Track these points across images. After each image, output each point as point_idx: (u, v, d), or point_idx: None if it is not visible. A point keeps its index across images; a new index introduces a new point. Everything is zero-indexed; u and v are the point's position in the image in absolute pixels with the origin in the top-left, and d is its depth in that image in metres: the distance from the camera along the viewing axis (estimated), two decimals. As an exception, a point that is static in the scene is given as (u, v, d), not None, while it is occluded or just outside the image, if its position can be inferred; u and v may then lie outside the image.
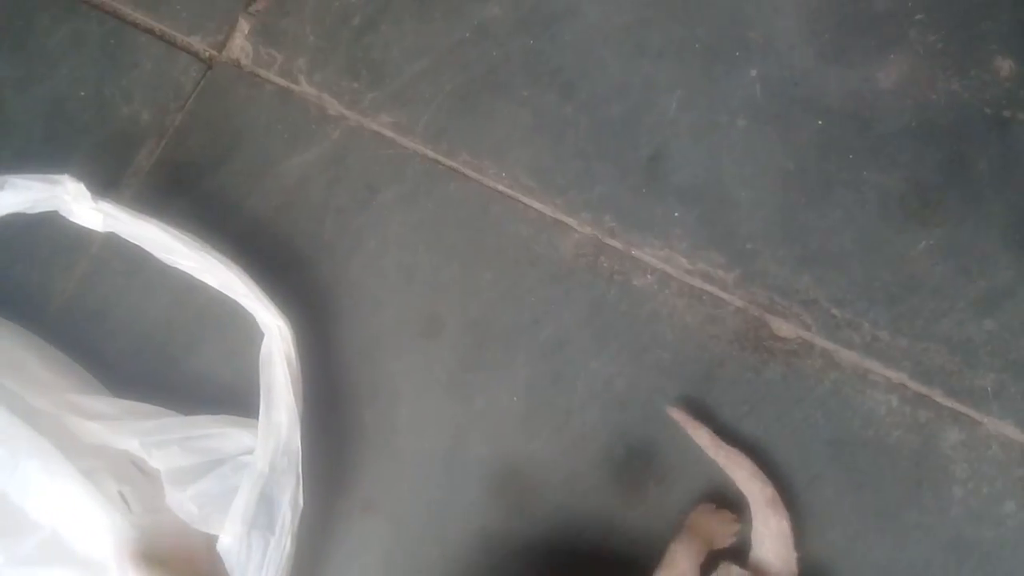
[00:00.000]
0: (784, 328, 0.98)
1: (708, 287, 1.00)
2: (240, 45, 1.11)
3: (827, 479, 0.94)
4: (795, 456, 0.94)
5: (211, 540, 0.88)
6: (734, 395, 0.97)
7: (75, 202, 0.95)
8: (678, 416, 0.95)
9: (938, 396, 0.95)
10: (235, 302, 0.97)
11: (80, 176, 0.94)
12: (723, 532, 0.90)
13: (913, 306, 0.97)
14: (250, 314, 0.96)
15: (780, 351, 0.98)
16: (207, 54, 1.11)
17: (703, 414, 0.96)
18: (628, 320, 1.00)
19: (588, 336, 1.00)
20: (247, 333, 0.99)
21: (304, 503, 0.90)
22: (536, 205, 1.04)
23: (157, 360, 1.03)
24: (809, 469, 0.94)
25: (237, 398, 0.98)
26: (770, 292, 0.99)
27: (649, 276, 1.01)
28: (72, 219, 0.96)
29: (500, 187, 1.05)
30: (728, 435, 0.95)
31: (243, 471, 0.89)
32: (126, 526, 0.85)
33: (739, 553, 0.91)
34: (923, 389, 0.95)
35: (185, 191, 1.07)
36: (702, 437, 0.93)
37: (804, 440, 0.95)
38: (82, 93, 1.11)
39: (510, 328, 1.01)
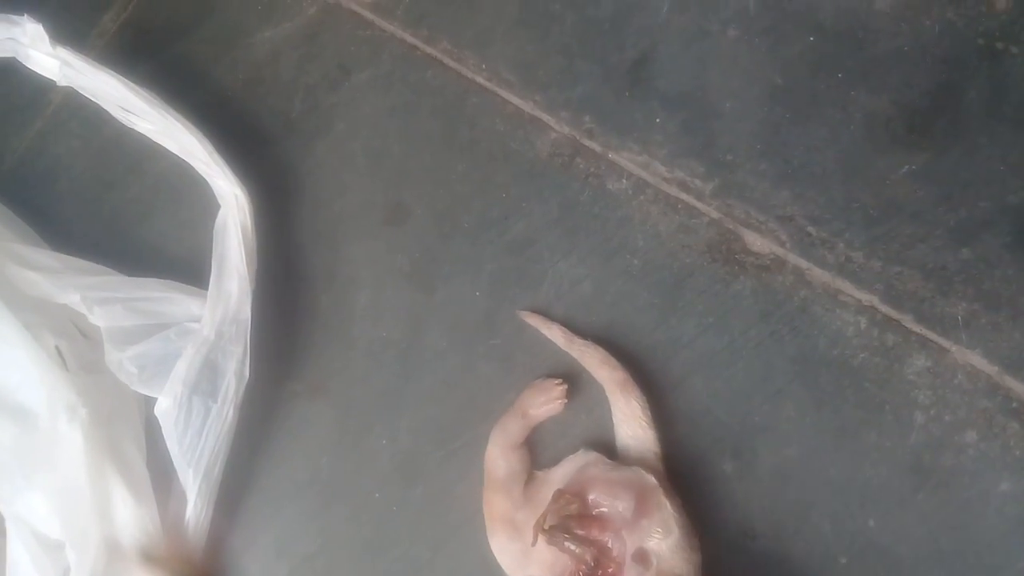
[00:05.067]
0: (758, 243, 0.96)
1: (684, 196, 0.97)
2: (219, -89, 1.06)
3: (788, 395, 0.91)
4: (758, 370, 0.92)
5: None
6: (701, 305, 0.94)
7: (32, 46, 0.90)
8: (530, 318, 0.94)
9: (908, 321, 0.93)
10: (193, 175, 0.94)
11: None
12: (548, 398, 0.90)
13: (890, 229, 0.94)
14: (208, 188, 0.92)
15: (751, 265, 0.95)
16: (184, -83, 1.06)
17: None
18: (600, 223, 0.97)
19: (557, 236, 0.97)
20: (203, 207, 0.95)
21: (250, 377, 0.87)
22: (515, 100, 1.01)
23: (108, 227, 0.99)
24: (771, 384, 0.92)
25: (189, 271, 0.94)
26: (746, 205, 0.96)
27: (625, 181, 0.98)
28: (29, 65, 0.92)
29: (479, 79, 1.01)
30: (693, 345, 0.93)
31: (188, 336, 0.86)
32: (61, 381, 0.82)
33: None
34: (893, 313, 0.93)
35: (150, 56, 1.03)
36: (555, 334, 0.93)
37: (768, 355, 0.92)
38: (50, -52, 1.05)
39: (478, 222, 0.98)
